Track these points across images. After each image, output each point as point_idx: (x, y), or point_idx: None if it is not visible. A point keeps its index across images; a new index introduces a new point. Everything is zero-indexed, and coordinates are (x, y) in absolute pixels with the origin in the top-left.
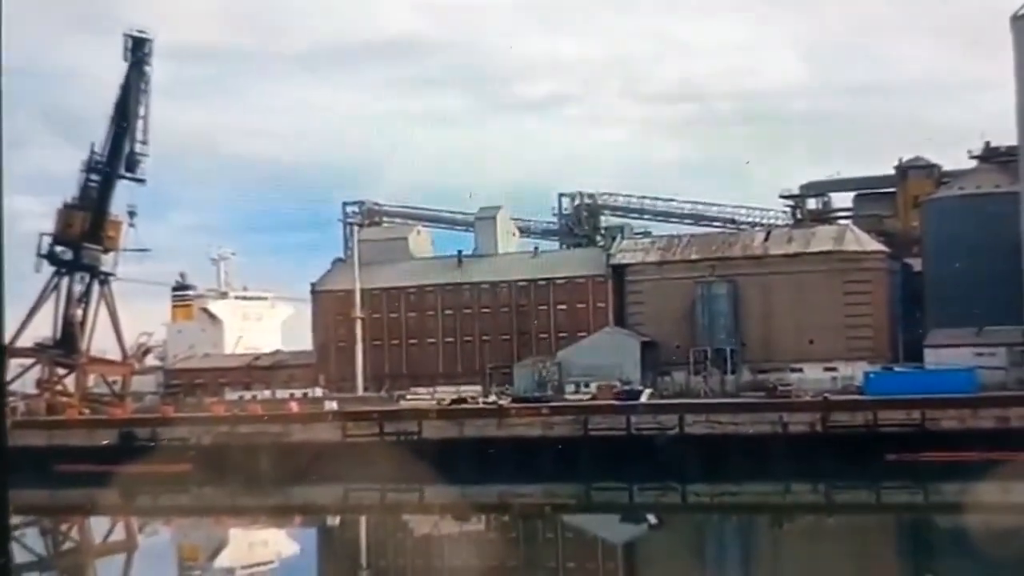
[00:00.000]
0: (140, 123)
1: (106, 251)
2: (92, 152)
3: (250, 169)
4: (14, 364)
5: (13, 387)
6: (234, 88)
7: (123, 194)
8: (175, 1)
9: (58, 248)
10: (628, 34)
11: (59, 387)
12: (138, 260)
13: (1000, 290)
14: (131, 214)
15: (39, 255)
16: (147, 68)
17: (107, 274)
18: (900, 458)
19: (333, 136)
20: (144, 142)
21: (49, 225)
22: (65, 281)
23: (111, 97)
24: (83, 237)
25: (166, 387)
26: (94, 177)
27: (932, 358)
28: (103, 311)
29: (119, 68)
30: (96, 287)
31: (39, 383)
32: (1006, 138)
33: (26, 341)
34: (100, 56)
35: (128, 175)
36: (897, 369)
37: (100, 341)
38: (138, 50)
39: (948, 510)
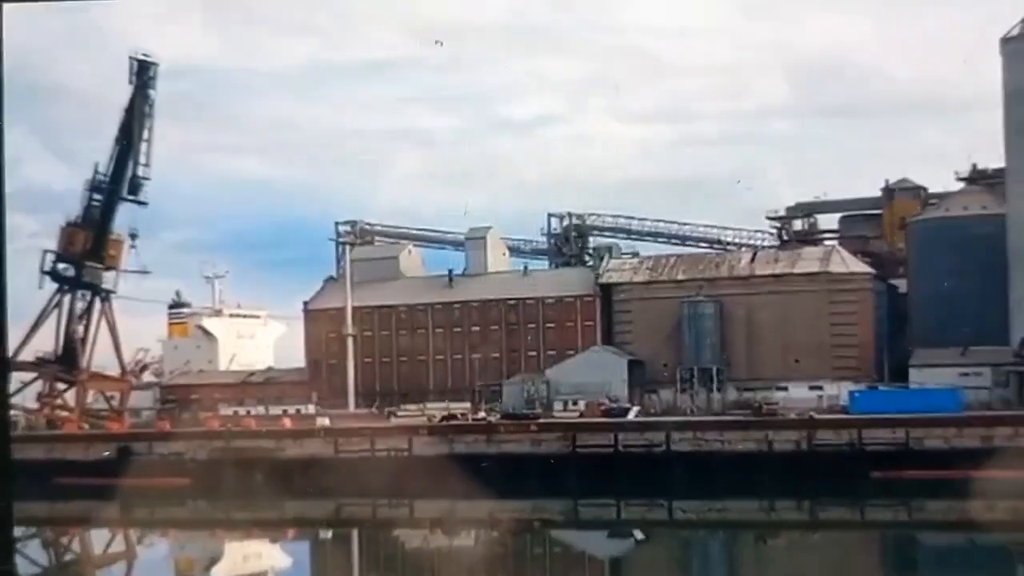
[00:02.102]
0: (144, 146)
1: (107, 269)
2: (96, 172)
3: (239, 187)
4: (16, 378)
5: (14, 401)
6: (222, 105)
7: (124, 214)
8: (163, 19)
9: (60, 265)
10: (612, 54)
11: (59, 401)
12: (137, 279)
13: (985, 311)
14: (132, 236)
15: (42, 272)
16: (151, 92)
17: (108, 291)
18: (885, 476)
19: (321, 154)
20: (147, 165)
21: (43, 243)
22: (67, 298)
23: (103, 115)
24: (85, 255)
25: (162, 403)
26: (97, 197)
27: (917, 378)
28: (103, 327)
29: (111, 86)
30: (97, 304)
31: (39, 397)
32: (993, 160)
33: (28, 355)
34: (91, 73)
35: (130, 198)
36: (882, 388)
37: (99, 357)
38: (143, 74)
39: (932, 527)
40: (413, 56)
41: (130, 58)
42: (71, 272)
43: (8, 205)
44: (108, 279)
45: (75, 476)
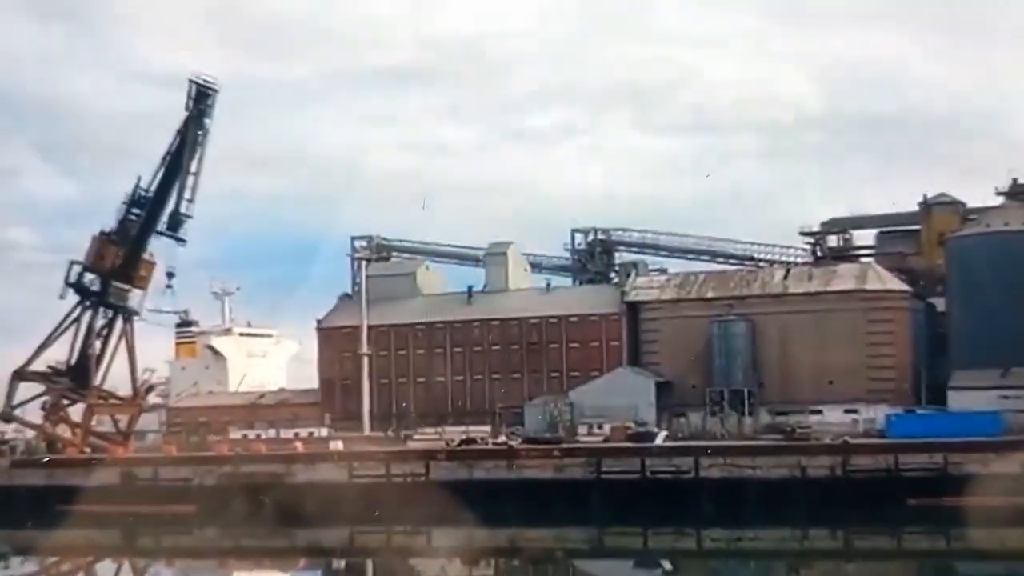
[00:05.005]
0: (191, 180)
1: (134, 289)
2: (137, 187)
3: (250, 201)
4: (22, 388)
5: (17, 413)
6: (233, 118)
7: (159, 249)
8: (175, 26)
9: (88, 277)
10: (639, 64)
11: (62, 413)
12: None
13: None
14: (169, 275)
15: (67, 283)
16: (207, 120)
17: (132, 312)
18: (922, 503)
19: (335, 167)
20: (191, 200)
21: (46, 257)
22: (88, 314)
23: (107, 127)
24: (114, 272)
25: (168, 426)
26: (135, 211)
27: (956, 400)
28: (121, 348)
29: (113, 99)
30: (119, 324)
31: (44, 406)
32: None
33: (40, 364)
34: (95, 86)
35: (169, 233)
36: (920, 411)
37: (111, 377)
38: (202, 100)
39: (971, 556)
40: (433, 64)
41: (189, 80)
42: (96, 286)
43: (6, 218)
44: (134, 299)
45: (77, 503)
